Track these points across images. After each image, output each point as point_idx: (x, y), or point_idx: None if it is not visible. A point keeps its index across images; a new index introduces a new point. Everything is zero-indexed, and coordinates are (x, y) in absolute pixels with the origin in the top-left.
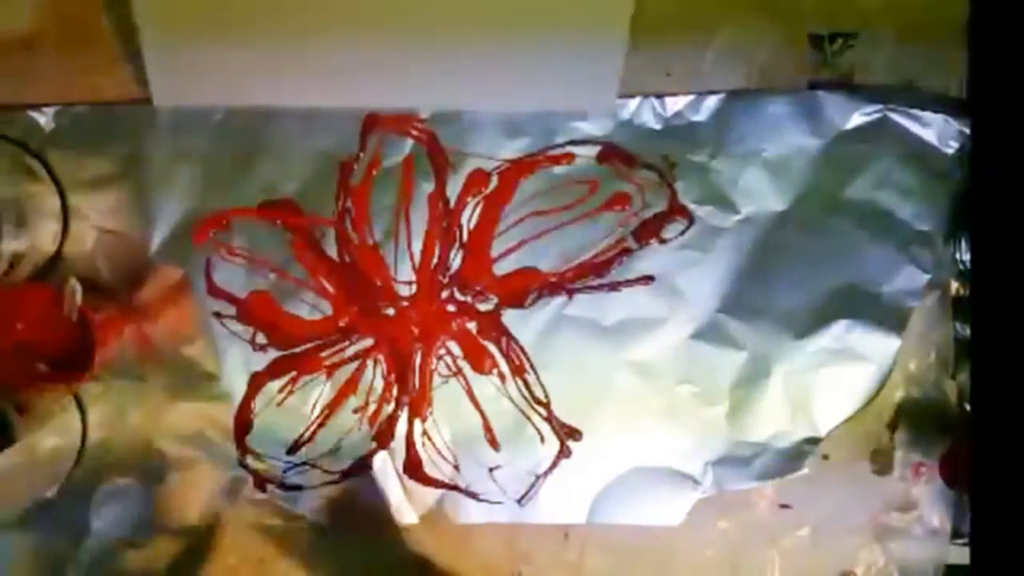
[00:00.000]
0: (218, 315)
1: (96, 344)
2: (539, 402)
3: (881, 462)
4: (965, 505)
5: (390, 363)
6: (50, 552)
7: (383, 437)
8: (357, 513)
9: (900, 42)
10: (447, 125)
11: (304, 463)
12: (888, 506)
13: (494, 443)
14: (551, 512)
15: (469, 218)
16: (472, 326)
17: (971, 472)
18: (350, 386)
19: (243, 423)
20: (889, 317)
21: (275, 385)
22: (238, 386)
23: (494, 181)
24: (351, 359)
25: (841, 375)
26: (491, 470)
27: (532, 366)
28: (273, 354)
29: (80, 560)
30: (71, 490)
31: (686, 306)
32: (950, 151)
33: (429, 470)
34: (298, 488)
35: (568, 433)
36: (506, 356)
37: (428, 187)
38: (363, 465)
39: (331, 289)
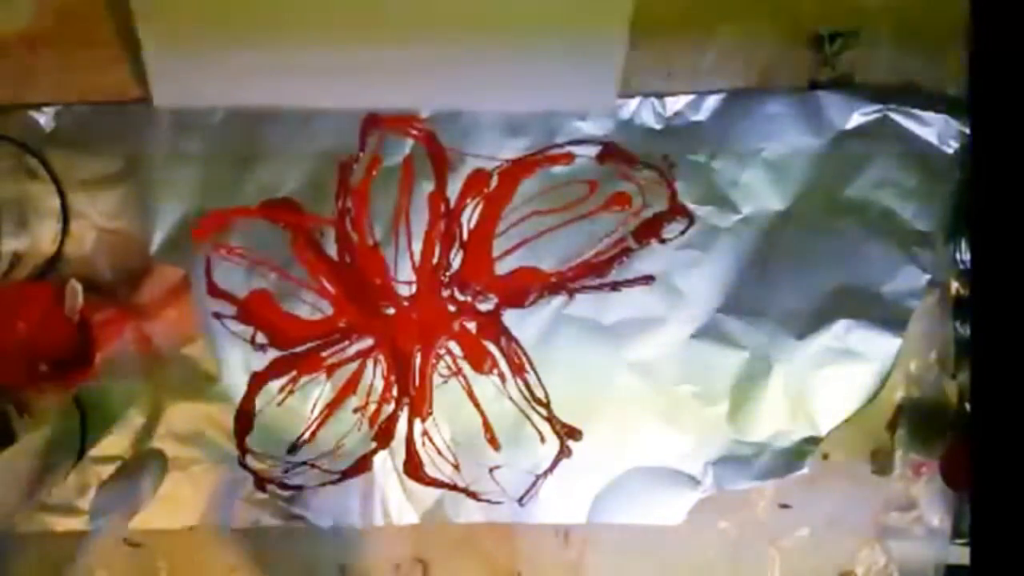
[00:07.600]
0: (218, 315)
1: (96, 344)
2: (539, 402)
3: (881, 462)
4: (965, 505)
5: (390, 363)
6: (50, 552)
7: (383, 437)
8: None
9: (900, 42)
10: (447, 125)
11: (304, 463)
12: (888, 506)
13: (494, 443)
14: (551, 512)
15: (469, 218)
16: (472, 326)
17: (971, 472)
18: (350, 386)
19: (243, 423)
20: (889, 317)
21: (275, 385)
22: (238, 386)
23: (494, 181)
24: (351, 359)
25: (841, 375)
26: (491, 470)
27: (532, 366)
28: (273, 354)
29: (80, 560)
30: (71, 490)
31: (686, 306)
32: (950, 151)
33: (429, 470)
34: (298, 488)
35: (568, 433)
36: (506, 356)
37: (428, 187)
38: (363, 465)
39: (331, 289)
